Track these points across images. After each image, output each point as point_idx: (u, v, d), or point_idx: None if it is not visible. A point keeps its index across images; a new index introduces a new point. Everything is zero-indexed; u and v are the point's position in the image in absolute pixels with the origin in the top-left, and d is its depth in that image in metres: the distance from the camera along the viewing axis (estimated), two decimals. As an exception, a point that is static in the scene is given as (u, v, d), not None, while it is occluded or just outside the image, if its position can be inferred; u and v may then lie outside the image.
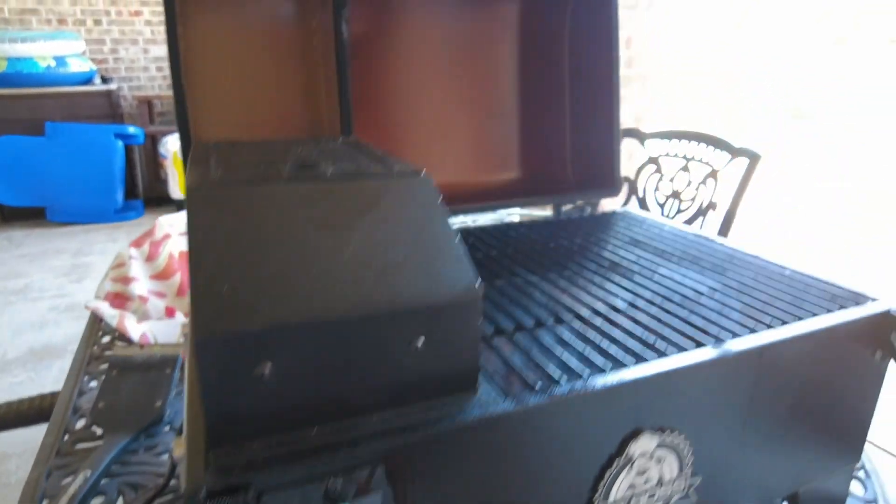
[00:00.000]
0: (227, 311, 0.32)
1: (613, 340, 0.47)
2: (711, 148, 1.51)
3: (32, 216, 3.54)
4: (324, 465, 0.33)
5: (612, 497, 0.43)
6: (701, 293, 0.57)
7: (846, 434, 0.58)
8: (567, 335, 0.48)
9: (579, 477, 0.42)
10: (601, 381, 0.41)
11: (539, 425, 0.39)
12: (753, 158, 1.40)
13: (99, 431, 0.72)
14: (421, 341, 0.35)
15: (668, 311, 0.53)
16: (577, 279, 0.60)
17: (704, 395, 0.46)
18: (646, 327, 0.50)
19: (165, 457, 0.67)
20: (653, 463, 0.44)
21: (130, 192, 3.66)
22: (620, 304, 0.54)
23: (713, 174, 1.47)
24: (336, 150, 0.53)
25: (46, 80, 3.46)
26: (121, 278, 1.13)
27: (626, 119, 2.14)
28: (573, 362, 0.43)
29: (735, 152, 1.44)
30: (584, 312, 0.52)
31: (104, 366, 0.81)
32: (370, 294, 0.34)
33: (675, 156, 1.59)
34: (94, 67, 3.71)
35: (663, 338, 0.48)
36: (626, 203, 1.61)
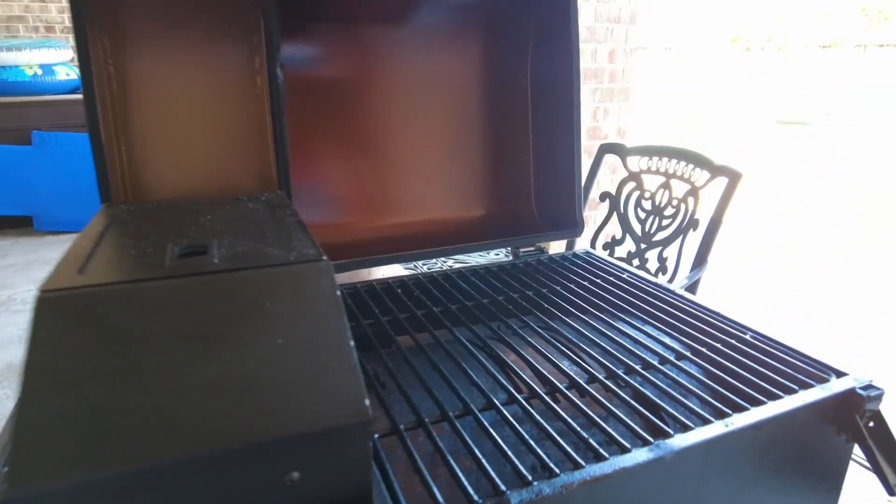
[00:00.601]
0: (53, 455, 0.27)
1: (547, 436, 0.43)
2: (691, 166, 1.47)
3: (19, 225, 3.51)
4: None
5: None
6: (664, 360, 0.53)
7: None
8: (494, 427, 0.43)
9: None
10: (519, 497, 0.36)
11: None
12: (733, 177, 1.36)
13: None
14: (295, 476, 0.31)
15: (615, 393, 0.48)
16: (524, 346, 0.56)
17: (645, 500, 0.41)
18: (596, 401, 0.45)
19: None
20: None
21: (119, 201, 3.62)
22: (563, 384, 0.50)
23: (693, 192, 1.43)
24: (249, 215, 0.49)
25: (33, 88, 3.43)
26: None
27: (609, 132, 2.09)
28: (494, 467, 0.39)
29: (715, 171, 1.40)
30: (522, 395, 0.48)
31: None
32: (233, 423, 0.30)
33: (657, 171, 1.55)
34: (82, 75, 3.66)
35: (613, 416, 0.43)
36: (607, 218, 1.56)
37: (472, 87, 0.84)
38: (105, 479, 0.27)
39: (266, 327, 0.34)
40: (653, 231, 1.51)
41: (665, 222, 1.49)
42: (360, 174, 0.80)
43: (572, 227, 0.82)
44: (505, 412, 0.45)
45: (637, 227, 1.54)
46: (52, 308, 0.32)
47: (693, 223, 1.42)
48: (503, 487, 0.37)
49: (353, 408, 0.32)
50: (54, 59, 3.42)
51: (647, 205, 1.51)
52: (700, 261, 1.35)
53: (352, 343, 0.35)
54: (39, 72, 3.35)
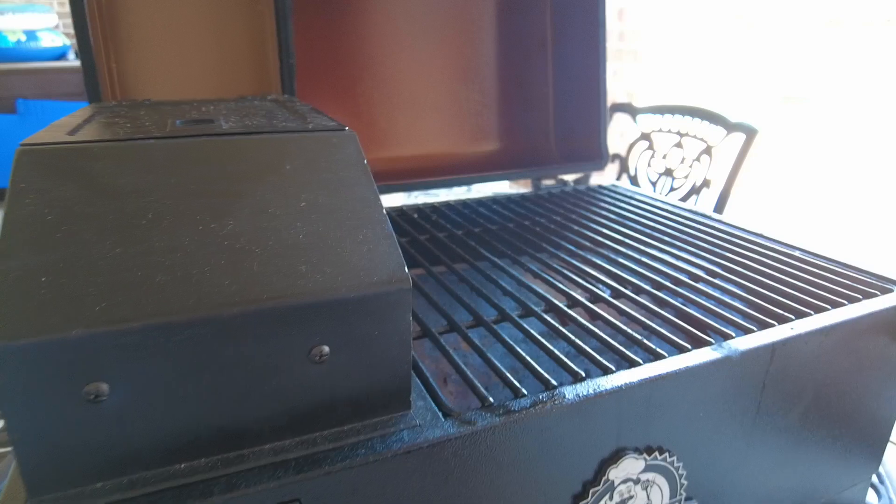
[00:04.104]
0: (45, 308, 0.22)
1: (593, 336, 0.38)
2: (706, 123, 1.42)
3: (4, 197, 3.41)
4: (189, 517, 0.24)
5: (587, 533, 0.35)
6: (699, 278, 0.48)
7: (865, 443, 0.49)
8: (536, 329, 0.39)
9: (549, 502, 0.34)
10: (574, 391, 0.32)
11: (491, 452, 0.30)
12: (750, 134, 1.31)
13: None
14: (325, 351, 0.26)
15: (660, 301, 0.44)
16: (554, 262, 0.52)
17: (702, 405, 0.37)
18: (633, 320, 0.41)
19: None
20: (638, 489, 0.36)
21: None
22: (604, 292, 0.45)
23: (708, 150, 1.39)
24: (256, 106, 0.44)
25: (16, 55, 3.31)
26: None
27: (618, 95, 2.03)
28: (542, 364, 0.34)
29: (731, 127, 1.35)
30: (560, 302, 0.43)
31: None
32: (252, 285, 0.25)
33: (668, 132, 1.50)
34: (68, 42, 3.55)
35: (655, 333, 0.39)
36: (617, 181, 1.52)
37: (486, 5, 0.78)
38: (103, 335, 0.23)
39: (287, 189, 0.29)
40: (665, 193, 1.47)
41: (677, 183, 1.45)
42: (367, 99, 0.75)
43: (596, 158, 0.77)
44: (547, 317, 0.41)
45: (648, 189, 1.50)
46: (37, 160, 0.27)
47: (706, 182, 1.38)
48: (554, 382, 0.33)
49: (392, 273, 0.27)
50: (39, 24, 3.30)
51: (658, 166, 1.47)
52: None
53: (384, 211, 0.30)
54: (23, 38, 3.23)
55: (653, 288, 0.46)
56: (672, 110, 1.53)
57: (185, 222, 0.26)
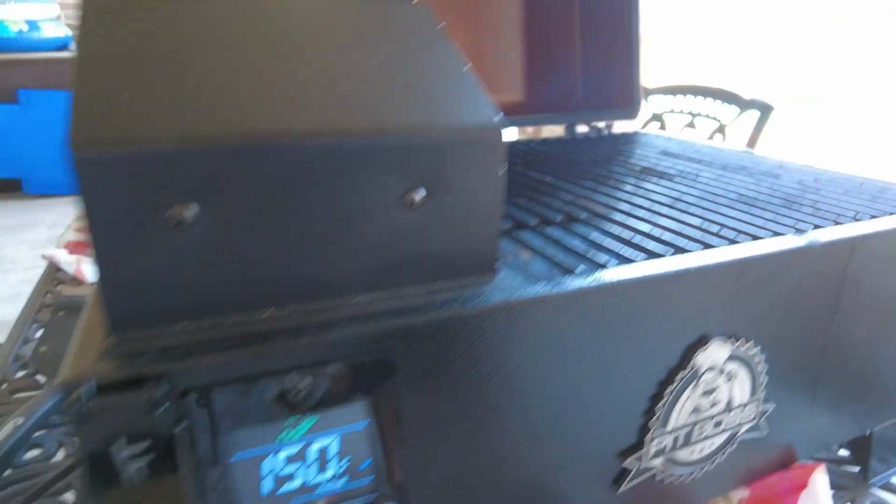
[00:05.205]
0: (128, 119, 0.21)
1: (667, 230, 0.37)
2: (719, 102, 1.41)
3: (8, 188, 3.39)
4: (280, 357, 0.23)
5: (671, 423, 0.33)
6: (760, 192, 0.47)
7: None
8: (609, 227, 0.37)
9: (631, 395, 0.32)
10: (664, 264, 0.30)
11: (581, 319, 0.28)
12: (765, 111, 1.30)
13: (42, 379, 0.61)
14: (420, 195, 0.25)
15: (725, 206, 0.42)
16: (607, 181, 0.50)
17: (783, 296, 0.35)
18: (704, 219, 0.39)
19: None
20: (722, 380, 0.34)
21: (110, 164, 3.52)
22: (665, 201, 0.44)
23: (721, 129, 1.37)
24: None
25: (18, 45, 3.29)
26: (84, 227, 1.02)
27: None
28: (623, 250, 0.32)
29: (745, 105, 1.34)
30: (623, 207, 0.42)
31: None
32: (352, 115, 0.23)
33: (681, 112, 1.49)
34: (70, 33, 3.53)
35: (729, 228, 0.37)
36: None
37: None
38: (190, 152, 0.21)
39: (369, 38, 0.28)
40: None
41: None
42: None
43: (629, 106, 0.76)
44: (615, 218, 0.39)
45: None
46: (104, -12, 0.25)
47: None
48: (640, 256, 0.31)
49: (486, 121, 0.26)
50: (41, 14, 3.28)
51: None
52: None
53: (470, 65, 0.28)
54: (25, 28, 3.21)
55: (715, 197, 0.45)
56: (684, 90, 1.52)
57: (271, 52, 0.25)
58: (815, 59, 2.11)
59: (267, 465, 0.24)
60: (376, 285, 0.26)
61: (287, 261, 0.24)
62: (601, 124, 0.77)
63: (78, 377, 0.20)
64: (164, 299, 0.22)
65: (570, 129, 0.76)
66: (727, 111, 1.39)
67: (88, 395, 0.19)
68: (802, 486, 0.41)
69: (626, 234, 0.35)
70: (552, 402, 0.29)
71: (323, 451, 0.25)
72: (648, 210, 0.41)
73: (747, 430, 0.37)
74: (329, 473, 0.25)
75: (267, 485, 0.24)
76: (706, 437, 0.35)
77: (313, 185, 0.23)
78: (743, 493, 0.41)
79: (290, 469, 0.24)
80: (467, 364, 0.26)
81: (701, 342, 0.33)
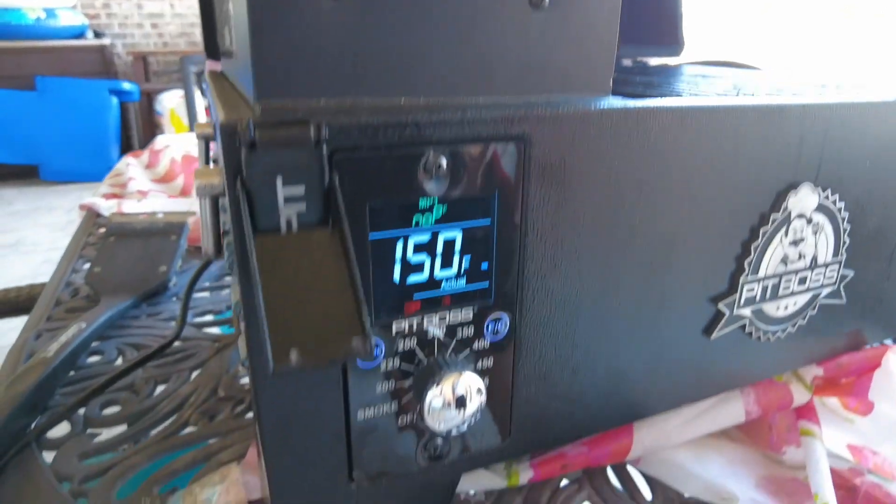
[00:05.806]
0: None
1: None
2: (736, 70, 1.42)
3: (25, 175, 3.42)
4: (423, 129, 0.23)
5: (762, 271, 0.34)
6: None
7: None
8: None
9: (728, 235, 0.32)
10: (765, 99, 0.31)
11: (693, 139, 0.29)
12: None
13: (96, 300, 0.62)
14: (548, -9, 0.25)
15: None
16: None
17: (870, 152, 0.36)
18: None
19: (172, 323, 0.57)
20: (809, 232, 0.35)
21: (125, 151, 3.55)
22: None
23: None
24: None
25: (35, 33, 3.32)
26: (118, 184, 1.03)
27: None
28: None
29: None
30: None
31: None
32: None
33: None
34: (86, 22, 3.56)
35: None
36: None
37: None
38: None
39: None
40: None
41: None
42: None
43: (672, 43, 0.76)
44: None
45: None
46: None
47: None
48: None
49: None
50: (58, 2, 3.31)
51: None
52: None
53: None
54: (42, 15, 3.24)
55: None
56: (700, 63, 1.52)
57: None
58: (821, 50, 2.11)
59: (399, 247, 0.24)
60: (501, 89, 0.26)
61: (421, 51, 0.24)
62: (648, 60, 0.78)
63: (238, 119, 0.20)
64: (309, 71, 0.23)
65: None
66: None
67: (252, 129, 0.20)
68: (876, 365, 0.41)
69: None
70: (662, 230, 0.30)
71: (448, 245, 0.25)
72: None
73: (827, 296, 0.38)
74: (452, 271, 0.26)
75: (398, 270, 0.25)
76: (791, 294, 0.36)
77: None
78: (817, 370, 0.42)
79: (418, 258, 0.25)
80: (589, 166, 0.27)
81: (792, 187, 0.33)
